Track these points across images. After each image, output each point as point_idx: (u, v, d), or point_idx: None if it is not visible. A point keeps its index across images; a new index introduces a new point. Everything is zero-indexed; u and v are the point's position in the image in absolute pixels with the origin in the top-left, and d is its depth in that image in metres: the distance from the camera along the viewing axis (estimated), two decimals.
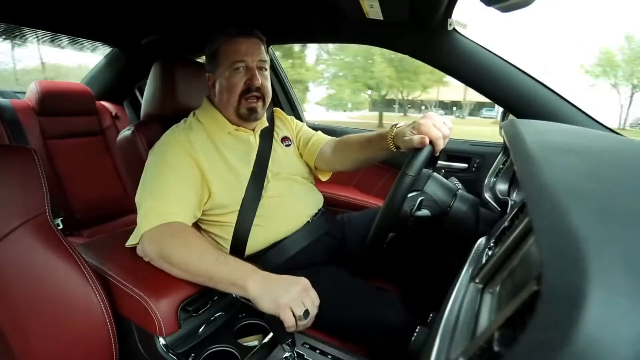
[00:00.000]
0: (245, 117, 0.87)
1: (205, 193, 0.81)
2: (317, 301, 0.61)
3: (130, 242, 0.74)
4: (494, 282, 0.40)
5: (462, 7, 0.93)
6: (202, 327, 0.66)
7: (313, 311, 0.60)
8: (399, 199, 0.65)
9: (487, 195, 0.77)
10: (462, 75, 1.05)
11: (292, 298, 0.58)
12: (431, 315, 0.50)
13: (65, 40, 1.48)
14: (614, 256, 0.19)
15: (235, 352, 0.62)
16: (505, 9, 0.74)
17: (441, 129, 0.69)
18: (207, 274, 0.65)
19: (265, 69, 0.88)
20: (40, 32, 1.32)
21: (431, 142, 0.68)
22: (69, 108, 1.48)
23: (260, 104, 0.87)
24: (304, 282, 0.62)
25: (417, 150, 0.68)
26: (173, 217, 0.71)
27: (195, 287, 0.68)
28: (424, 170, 0.72)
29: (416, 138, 0.68)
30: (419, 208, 0.70)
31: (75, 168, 1.46)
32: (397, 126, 0.80)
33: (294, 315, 0.57)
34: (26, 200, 0.61)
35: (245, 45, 0.85)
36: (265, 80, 0.87)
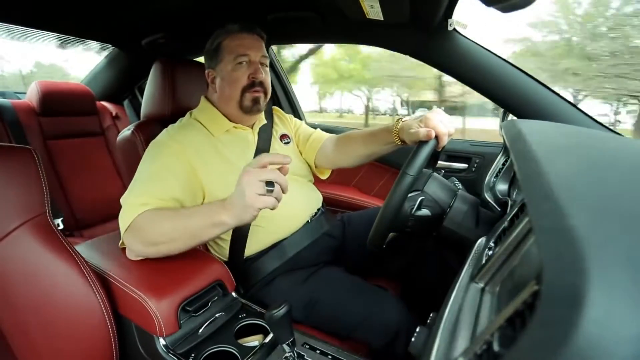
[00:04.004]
0: (248, 109, 0.87)
1: (199, 193, 0.80)
2: (272, 172, 0.60)
3: (122, 244, 0.74)
4: (494, 282, 0.39)
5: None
6: (202, 328, 0.66)
7: (276, 176, 0.59)
8: (399, 198, 0.65)
9: (487, 195, 0.77)
10: (462, 76, 1.05)
11: (251, 189, 0.58)
12: (431, 315, 0.50)
13: None
14: (613, 256, 0.19)
15: (236, 352, 0.62)
16: (505, 9, 0.74)
17: (447, 125, 0.70)
18: (188, 232, 0.66)
19: (266, 65, 0.89)
20: None
21: (436, 137, 0.69)
22: (70, 108, 1.48)
23: (263, 95, 0.87)
24: (247, 171, 0.60)
25: (420, 144, 0.68)
26: (144, 207, 0.70)
27: (195, 287, 0.68)
28: (424, 170, 0.72)
29: (422, 131, 0.69)
30: (419, 208, 0.70)
31: (75, 168, 1.46)
32: (403, 119, 0.80)
33: (266, 195, 0.59)
34: (26, 201, 0.61)
35: (248, 40, 0.85)
36: (266, 76, 0.88)
